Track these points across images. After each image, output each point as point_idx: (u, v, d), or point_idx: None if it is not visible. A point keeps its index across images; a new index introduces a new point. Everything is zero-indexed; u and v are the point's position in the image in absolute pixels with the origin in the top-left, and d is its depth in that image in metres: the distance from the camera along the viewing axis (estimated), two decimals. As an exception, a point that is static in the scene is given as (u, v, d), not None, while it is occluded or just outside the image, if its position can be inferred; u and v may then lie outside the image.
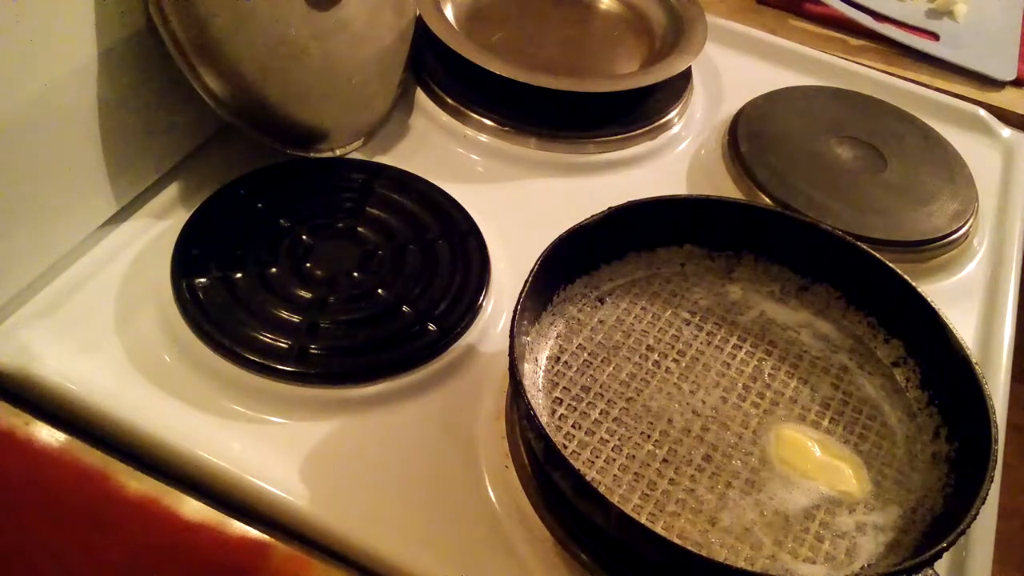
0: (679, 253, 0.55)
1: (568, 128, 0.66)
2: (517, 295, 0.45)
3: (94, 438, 0.45)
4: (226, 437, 0.46)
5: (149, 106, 0.54)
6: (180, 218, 0.55)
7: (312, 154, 0.60)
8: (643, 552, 0.39)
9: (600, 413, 0.47)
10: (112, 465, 0.44)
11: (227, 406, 0.47)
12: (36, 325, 0.49)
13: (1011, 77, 0.83)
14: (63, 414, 0.46)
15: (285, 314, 0.50)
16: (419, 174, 0.61)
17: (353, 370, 0.49)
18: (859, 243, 0.52)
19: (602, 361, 0.50)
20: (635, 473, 0.45)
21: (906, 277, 0.50)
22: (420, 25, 0.69)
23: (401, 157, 0.63)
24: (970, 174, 0.68)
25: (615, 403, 0.48)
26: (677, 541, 0.39)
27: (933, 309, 0.49)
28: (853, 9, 0.88)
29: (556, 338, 0.50)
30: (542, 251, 0.47)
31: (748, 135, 0.68)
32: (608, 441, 0.46)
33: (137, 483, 0.43)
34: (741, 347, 0.52)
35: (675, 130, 0.70)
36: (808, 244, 0.53)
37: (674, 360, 0.51)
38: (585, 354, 0.50)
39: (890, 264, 0.51)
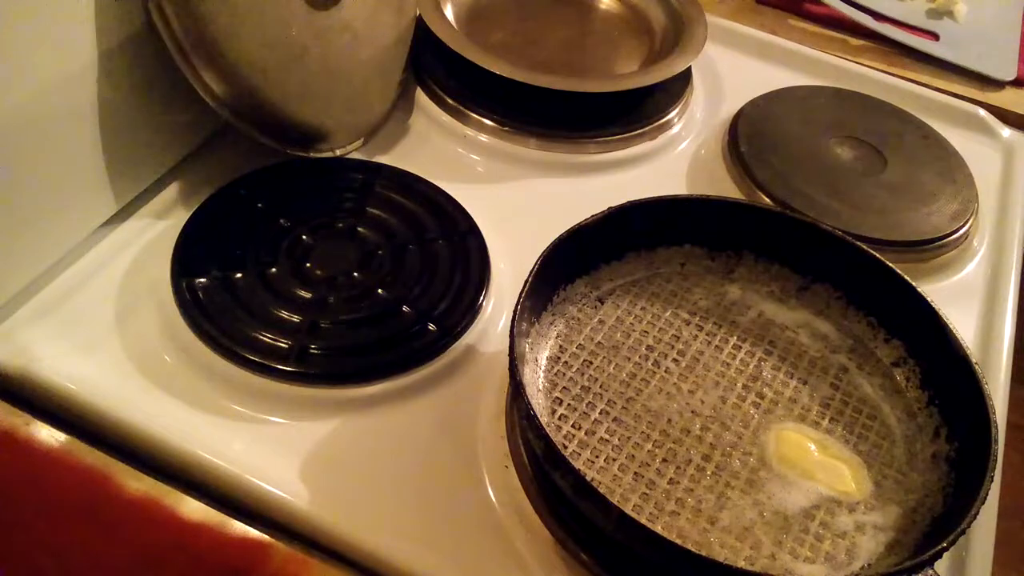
0: (679, 253, 0.55)
1: (568, 128, 0.66)
2: (517, 295, 0.45)
3: (94, 438, 0.45)
4: (226, 437, 0.46)
5: (149, 106, 0.54)
6: (180, 218, 0.55)
7: (312, 154, 0.60)
8: (643, 552, 0.39)
9: (600, 413, 0.47)
10: (112, 465, 0.44)
11: (227, 406, 0.47)
12: (36, 325, 0.49)
13: (1011, 77, 0.83)
14: (63, 414, 0.46)
15: (285, 314, 0.50)
16: (419, 174, 0.61)
17: (353, 370, 0.49)
18: (859, 243, 0.52)
19: (602, 361, 0.50)
20: (635, 473, 0.45)
21: (906, 277, 0.50)
22: (420, 25, 0.69)
23: (401, 157, 0.63)
24: (970, 174, 0.68)
25: (615, 403, 0.48)
26: (677, 541, 0.39)
27: (933, 309, 0.49)
28: (853, 9, 0.88)
29: (556, 338, 0.50)
30: (542, 251, 0.47)
31: (748, 135, 0.68)
32: (608, 441, 0.46)
33: (137, 483, 0.43)
34: (741, 347, 0.52)
35: (675, 130, 0.70)
36: (808, 244, 0.53)
37: (674, 360, 0.51)
38: (585, 354, 0.50)
39: (890, 264, 0.51)
